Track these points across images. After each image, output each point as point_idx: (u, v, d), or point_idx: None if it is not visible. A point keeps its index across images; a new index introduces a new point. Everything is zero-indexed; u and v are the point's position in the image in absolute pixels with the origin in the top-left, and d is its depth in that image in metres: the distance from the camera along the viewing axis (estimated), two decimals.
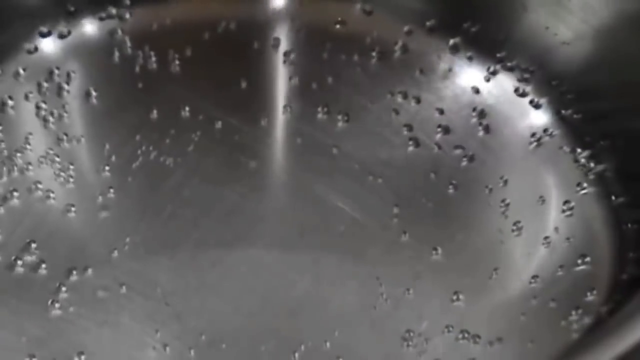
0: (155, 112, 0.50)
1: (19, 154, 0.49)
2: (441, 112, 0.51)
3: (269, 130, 0.51)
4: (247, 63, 0.52)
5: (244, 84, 0.52)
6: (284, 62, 0.53)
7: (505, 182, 0.49)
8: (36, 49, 0.52)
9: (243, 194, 0.48)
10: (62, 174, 0.49)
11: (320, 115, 0.51)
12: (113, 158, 0.49)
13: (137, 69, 0.52)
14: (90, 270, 0.46)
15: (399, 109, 0.51)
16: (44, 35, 0.52)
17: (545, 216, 0.48)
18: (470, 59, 0.52)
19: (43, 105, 0.50)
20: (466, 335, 0.44)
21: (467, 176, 0.49)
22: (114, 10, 0.53)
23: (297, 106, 0.51)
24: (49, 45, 0.52)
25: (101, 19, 0.53)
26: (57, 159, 0.49)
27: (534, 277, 0.46)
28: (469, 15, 0.52)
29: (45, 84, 0.51)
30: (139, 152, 0.49)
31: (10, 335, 0.44)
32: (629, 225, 0.47)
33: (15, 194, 0.48)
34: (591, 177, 0.49)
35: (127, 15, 0.53)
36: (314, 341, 0.44)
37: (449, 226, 0.48)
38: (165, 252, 0.47)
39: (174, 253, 0.47)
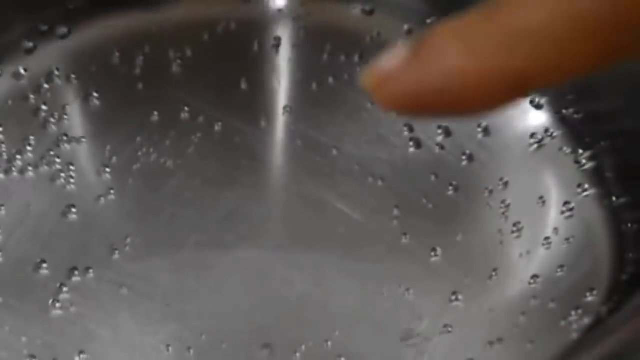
0: (155, 113, 0.50)
1: (18, 156, 0.49)
2: None
3: (269, 131, 0.51)
4: (247, 64, 0.52)
5: (244, 85, 0.52)
6: (284, 62, 0.53)
7: (506, 183, 0.49)
8: (36, 49, 0.52)
9: (243, 195, 0.49)
10: (62, 175, 0.49)
11: (320, 116, 0.51)
12: (113, 159, 0.49)
13: (137, 70, 0.52)
14: (91, 271, 0.46)
15: None
16: (44, 35, 0.52)
17: (545, 217, 0.48)
18: None
19: (43, 106, 0.50)
20: (466, 335, 0.44)
21: (467, 177, 0.49)
22: (114, 11, 0.53)
23: (298, 107, 0.51)
24: (49, 46, 0.52)
25: (101, 19, 0.53)
26: (57, 160, 0.49)
27: (534, 277, 0.46)
28: None
29: (45, 85, 0.51)
30: (140, 153, 0.49)
31: (10, 335, 0.44)
32: (629, 225, 0.47)
33: (16, 195, 0.48)
34: (591, 178, 0.49)
35: (127, 16, 0.53)
36: (314, 341, 0.44)
37: (449, 227, 0.48)
38: (166, 253, 0.47)
39: (175, 254, 0.47)
